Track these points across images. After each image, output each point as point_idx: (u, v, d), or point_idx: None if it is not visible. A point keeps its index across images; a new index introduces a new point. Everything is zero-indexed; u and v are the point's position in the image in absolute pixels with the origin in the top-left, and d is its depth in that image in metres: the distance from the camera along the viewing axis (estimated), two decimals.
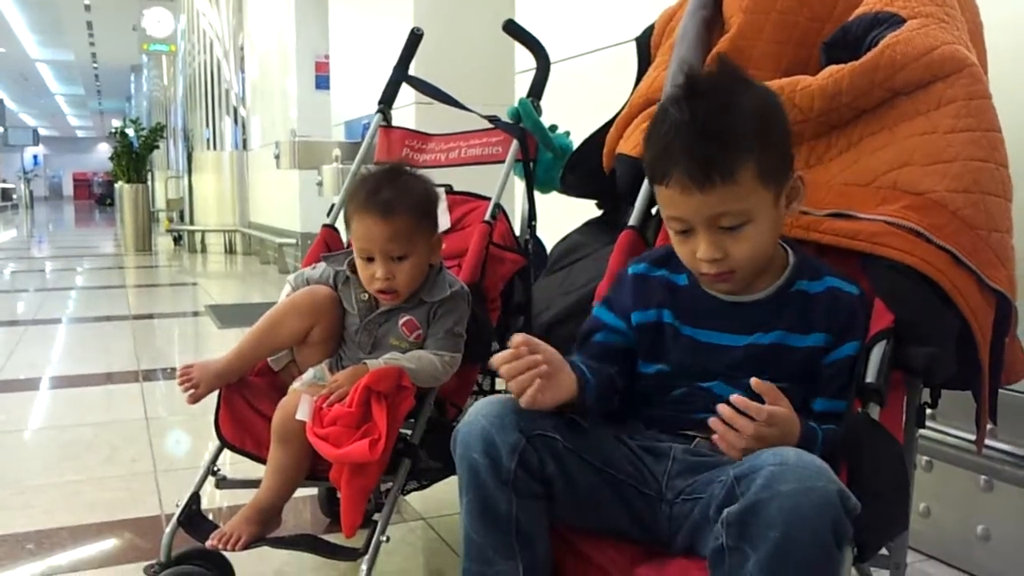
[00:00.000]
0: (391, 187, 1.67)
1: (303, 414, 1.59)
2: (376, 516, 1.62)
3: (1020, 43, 1.64)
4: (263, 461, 1.70)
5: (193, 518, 1.71)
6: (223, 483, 1.80)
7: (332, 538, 1.71)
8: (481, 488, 1.14)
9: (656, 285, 1.30)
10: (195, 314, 6.11)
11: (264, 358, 1.79)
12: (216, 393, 1.75)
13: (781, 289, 1.23)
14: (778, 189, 1.17)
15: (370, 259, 1.68)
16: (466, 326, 1.76)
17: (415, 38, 2.25)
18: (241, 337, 1.76)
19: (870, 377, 1.14)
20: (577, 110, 2.19)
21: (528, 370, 1.12)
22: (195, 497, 1.72)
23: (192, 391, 1.70)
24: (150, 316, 6.14)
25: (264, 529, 1.67)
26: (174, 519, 1.68)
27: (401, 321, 1.72)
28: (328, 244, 2.03)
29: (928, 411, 1.36)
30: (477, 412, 1.17)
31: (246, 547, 1.62)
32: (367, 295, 1.74)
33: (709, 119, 1.13)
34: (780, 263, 1.24)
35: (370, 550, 1.57)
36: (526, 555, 1.16)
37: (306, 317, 1.73)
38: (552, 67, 2.13)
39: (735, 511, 0.96)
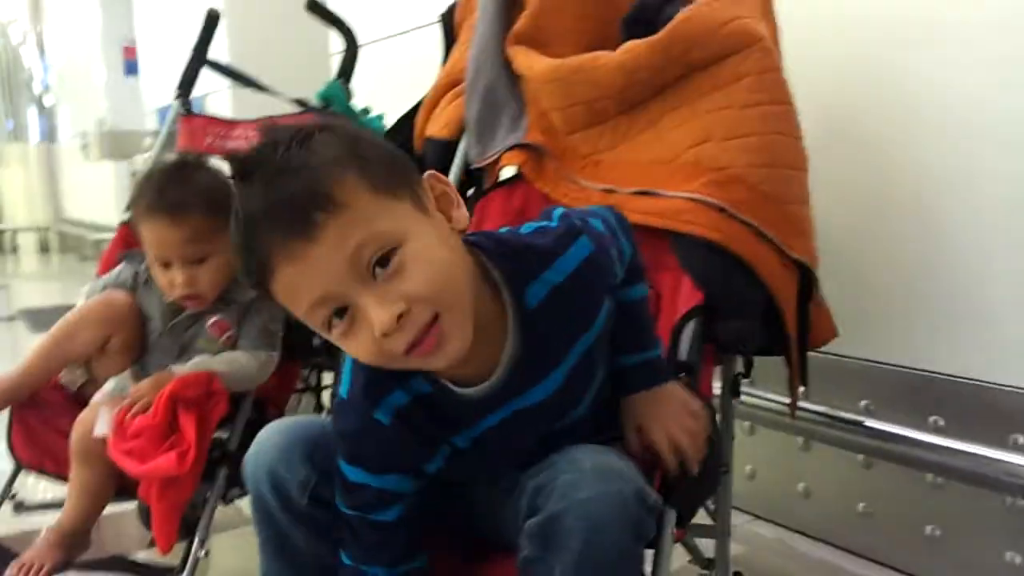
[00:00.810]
0: (177, 185, 1.54)
1: (102, 429, 1.47)
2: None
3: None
4: (66, 480, 1.56)
5: None
6: (21, 508, 1.65)
7: (154, 555, 1.60)
8: (275, 525, 1.06)
9: (420, 423, 0.99)
10: (10, 319, 5.68)
11: (56, 373, 1.65)
12: (7, 412, 1.60)
13: (518, 332, 0.96)
14: (412, 197, 0.89)
15: (167, 265, 1.55)
16: (284, 322, 1.67)
17: (212, 20, 2.11)
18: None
19: (683, 355, 1.15)
20: (390, 92, 2.12)
21: None
22: None
23: None
24: None
25: (70, 554, 1.53)
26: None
27: (209, 322, 1.62)
28: (127, 244, 1.88)
29: (745, 379, 1.39)
30: (263, 443, 1.07)
31: (48, 571, 1.49)
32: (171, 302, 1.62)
33: (281, 163, 0.87)
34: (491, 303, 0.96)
35: (187, 568, 1.48)
36: None
37: (101, 327, 1.60)
38: (362, 49, 2.05)
39: (535, 524, 0.92)
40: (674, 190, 1.22)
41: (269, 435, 1.07)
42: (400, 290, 0.84)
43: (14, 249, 10.44)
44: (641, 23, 1.30)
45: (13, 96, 10.41)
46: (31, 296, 6.63)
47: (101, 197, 7.85)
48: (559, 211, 1.03)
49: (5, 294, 6.98)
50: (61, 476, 1.58)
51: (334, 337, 0.88)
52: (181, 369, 1.53)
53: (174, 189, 1.54)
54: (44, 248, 10.20)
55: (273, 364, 1.63)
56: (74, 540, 1.54)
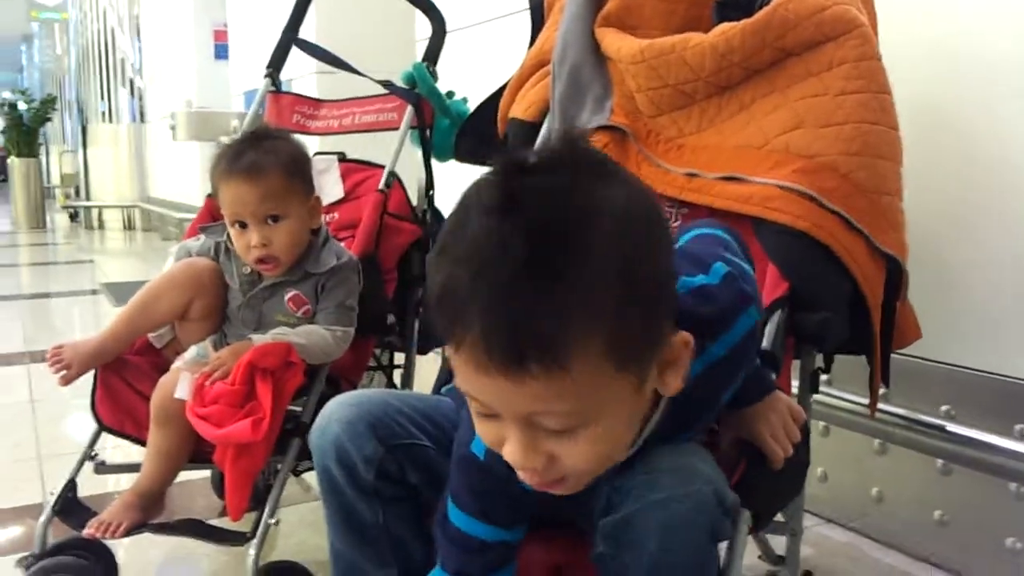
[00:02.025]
0: (255, 150, 1.58)
1: (182, 392, 1.50)
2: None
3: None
4: (144, 444, 1.61)
5: (70, 506, 1.61)
6: (102, 468, 1.70)
7: (224, 522, 1.64)
8: (341, 498, 1.07)
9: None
10: (93, 292, 5.87)
11: (142, 335, 1.69)
12: (92, 374, 1.64)
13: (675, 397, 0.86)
14: (641, 371, 0.77)
15: (243, 226, 1.59)
16: (359, 298, 1.69)
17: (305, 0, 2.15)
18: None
19: (766, 344, 1.13)
20: (474, 77, 2.13)
21: None
22: (71, 484, 1.62)
23: (63, 372, 1.59)
24: (44, 295, 5.89)
25: (146, 515, 1.57)
26: (48, 507, 1.59)
27: (287, 296, 1.64)
28: (213, 216, 1.93)
29: (824, 376, 1.36)
30: (329, 416, 1.07)
31: (126, 534, 1.53)
32: (249, 268, 1.65)
33: (532, 255, 0.70)
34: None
35: (258, 534, 1.50)
36: (400, 559, 1.09)
37: (185, 291, 1.64)
38: (451, 34, 2.06)
39: (609, 523, 0.89)
40: (762, 176, 1.20)
41: (335, 409, 1.07)
42: (553, 453, 0.77)
43: (101, 226, 10.80)
44: (735, 6, 1.28)
45: (108, 78, 10.76)
46: (115, 271, 6.84)
47: (186, 178, 8.06)
48: (717, 264, 0.92)
49: (91, 268, 7.21)
50: (140, 439, 1.62)
51: (473, 411, 0.81)
52: (260, 339, 1.56)
53: (252, 152, 1.57)
54: (129, 226, 10.52)
55: (349, 339, 1.65)
56: (150, 502, 1.58)
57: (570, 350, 0.70)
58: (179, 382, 1.52)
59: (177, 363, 1.64)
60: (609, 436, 0.79)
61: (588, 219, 0.72)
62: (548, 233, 0.70)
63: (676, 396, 0.85)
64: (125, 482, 1.65)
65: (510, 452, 0.78)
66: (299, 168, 1.63)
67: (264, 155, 1.57)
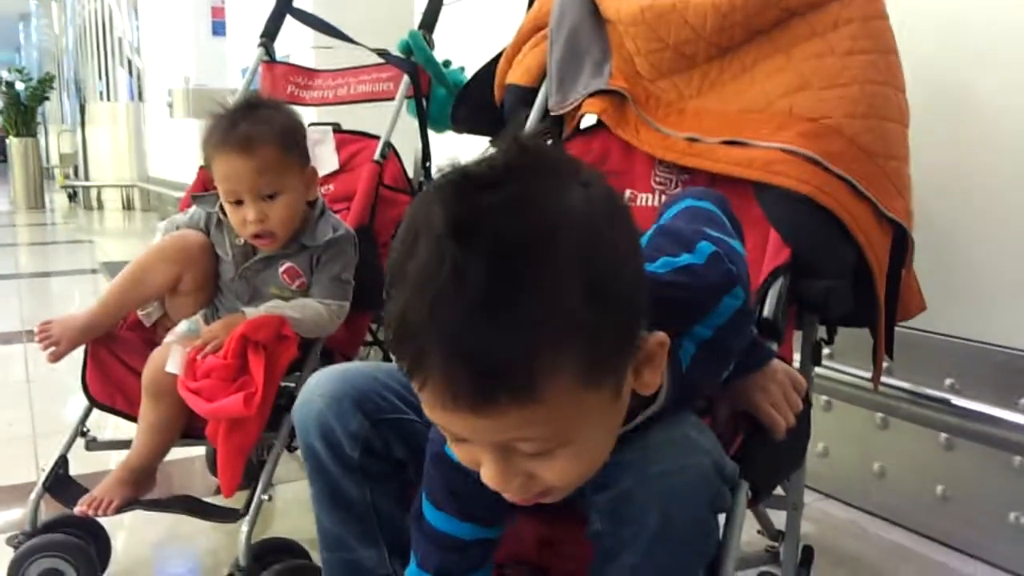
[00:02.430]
0: (249, 120, 1.52)
1: (174, 366, 1.48)
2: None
3: None
4: (136, 420, 1.58)
5: (61, 483, 1.59)
6: (93, 445, 1.68)
7: (219, 500, 1.61)
8: (326, 476, 1.04)
9: None
10: (92, 272, 5.85)
11: (132, 310, 1.66)
12: (82, 350, 1.62)
13: (678, 382, 0.87)
14: (615, 381, 0.73)
15: (239, 202, 1.54)
16: (355, 272, 1.66)
17: None
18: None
19: (767, 312, 1.10)
20: (471, 46, 2.09)
21: None
22: (62, 460, 1.61)
23: (52, 348, 1.56)
24: (44, 275, 5.87)
25: (137, 491, 1.55)
26: (39, 484, 1.57)
27: (282, 268, 1.62)
28: (205, 186, 1.89)
29: (827, 350, 1.33)
30: (312, 390, 1.03)
31: (118, 511, 1.51)
32: (243, 240, 1.62)
33: (494, 284, 0.64)
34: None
35: (250, 511, 1.48)
36: (388, 536, 1.07)
37: (174, 264, 1.61)
38: (447, 4, 2.03)
39: (606, 499, 0.85)
40: (764, 140, 1.17)
41: (319, 383, 1.04)
42: (531, 471, 0.74)
43: (100, 205, 10.77)
44: None
45: (106, 57, 10.69)
46: (114, 251, 6.82)
47: (184, 157, 8.02)
48: (702, 243, 0.88)
49: (89, 248, 7.20)
50: (132, 415, 1.60)
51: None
52: (253, 312, 1.53)
53: (246, 123, 1.52)
54: (128, 205, 10.49)
55: (344, 313, 1.63)
56: (141, 477, 1.56)
57: (540, 380, 0.65)
58: (170, 356, 1.49)
59: (169, 338, 1.61)
60: (589, 450, 0.76)
61: (549, 237, 0.66)
62: (507, 259, 0.64)
63: (681, 383, 0.84)
64: (117, 459, 1.62)
65: (488, 476, 0.74)
66: (294, 140, 1.59)
67: (258, 126, 1.52)
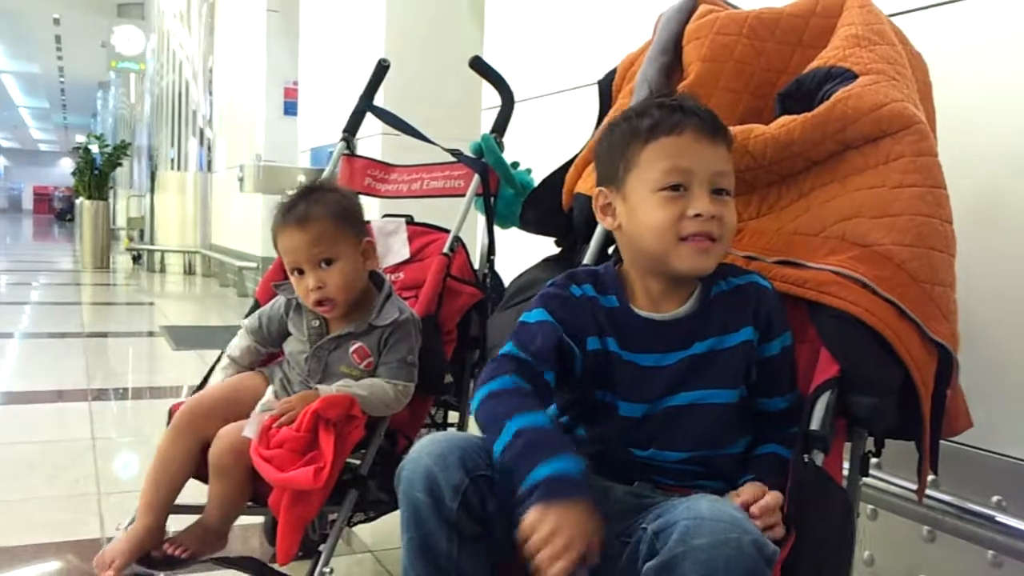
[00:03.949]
0: (306, 201, 1.71)
1: (251, 432, 1.58)
2: (322, 547, 1.61)
3: (975, 103, 1.69)
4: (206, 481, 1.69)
5: None
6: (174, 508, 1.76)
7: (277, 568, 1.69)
8: (422, 526, 1.14)
9: (596, 309, 1.26)
10: (150, 334, 6.03)
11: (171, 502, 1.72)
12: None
13: (702, 297, 1.24)
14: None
15: (300, 272, 1.70)
16: (419, 356, 1.76)
17: (382, 69, 2.26)
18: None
19: (814, 425, 1.16)
20: (540, 149, 2.21)
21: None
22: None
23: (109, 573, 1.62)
24: (104, 335, 6.06)
25: (210, 548, 1.67)
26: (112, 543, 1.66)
27: (352, 348, 1.72)
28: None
29: (874, 460, 1.38)
30: (421, 450, 1.16)
31: (193, 558, 1.63)
32: (318, 321, 1.75)
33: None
34: (692, 284, 1.25)
35: None
36: None
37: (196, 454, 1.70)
38: (516, 105, 2.15)
39: (653, 566, 0.97)
40: (818, 262, 1.24)
41: (427, 443, 1.17)
42: (720, 210, 1.16)
43: (162, 269, 11.08)
44: (797, 98, 1.33)
45: (180, 127, 11.13)
46: (174, 314, 7.01)
47: (247, 229, 8.27)
48: None
49: (150, 311, 7.41)
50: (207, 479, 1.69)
51: (659, 198, 1.18)
52: (326, 390, 1.63)
53: (304, 203, 1.70)
54: (189, 270, 10.79)
55: (409, 394, 1.72)
56: (213, 537, 1.67)
57: (728, 139, 1.22)
58: (248, 421, 1.59)
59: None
60: (734, 217, 1.20)
61: None
62: None
63: (707, 298, 1.23)
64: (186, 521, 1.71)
65: (702, 206, 1.15)
66: (347, 213, 1.74)
67: (313, 205, 1.70)
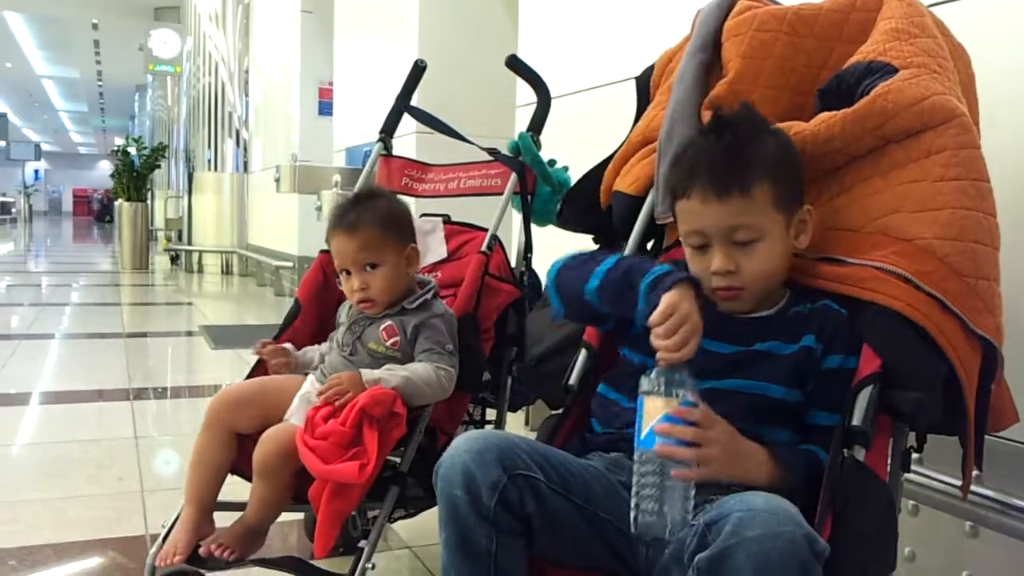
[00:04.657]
0: (356, 208, 1.81)
1: (297, 419, 1.60)
2: (362, 543, 1.63)
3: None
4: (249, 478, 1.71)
5: None
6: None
7: (321, 563, 1.71)
8: (461, 524, 1.15)
9: None
10: (189, 334, 6.11)
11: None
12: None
13: (780, 312, 1.29)
14: (788, 216, 1.25)
15: (348, 273, 1.78)
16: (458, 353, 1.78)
17: (418, 70, 2.28)
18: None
19: (856, 420, 1.16)
20: (576, 145, 2.21)
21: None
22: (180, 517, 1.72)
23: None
24: (144, 335, 6.15)
25: (252, 548, 1.70)
26: (159, 539, 1.69)
27: (383, 326, 1.78)
28: (324, 268, 2.04)
29: (915, 455, 1.37)
30: (459, 447, 1.17)
31: (239, 560, 1.65)
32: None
33: (734, 141, 1.25)
34: (781, 295, 1.31)
35: None
36: None
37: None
38: (552, 102, 2.16)
39: (705, 558, 0.98)
40: (859, 258, 1.24)
41: (464, 440, 1.18)
42: (739, 261, 1.24)
43: (200, 269, 11.21)
44: (837, 94, 1.33)
45: (216, 129, 11.26)
46: (212, 314, 7.09)
47: (284, 228, 8.35)
48: None
49: (188, 310, 7.50)
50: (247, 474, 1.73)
51: (689, 253, 1.29)
52: (370, 374, 1.66)
53: (354, 211, 1.80)
54: (227, 270, 10.90)
55: (452, 381, 1.74)
56: (254, 535, 1.70)
57: (751, 184, 1.21)
58: (295, 409, 1.64)
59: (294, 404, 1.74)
60: (771, 256, 1.25)
61: (761, 134, 1.28)
62: (740, 133, 1.27)
63: (785, 312, 1.29)
64: (228, 519, 1.73)
65: (716, 263, 1.23)
66: (394, 222, 1.82)
67: (362, 213, 1.79)
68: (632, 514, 1.11)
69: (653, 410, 1.12)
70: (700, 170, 1.24)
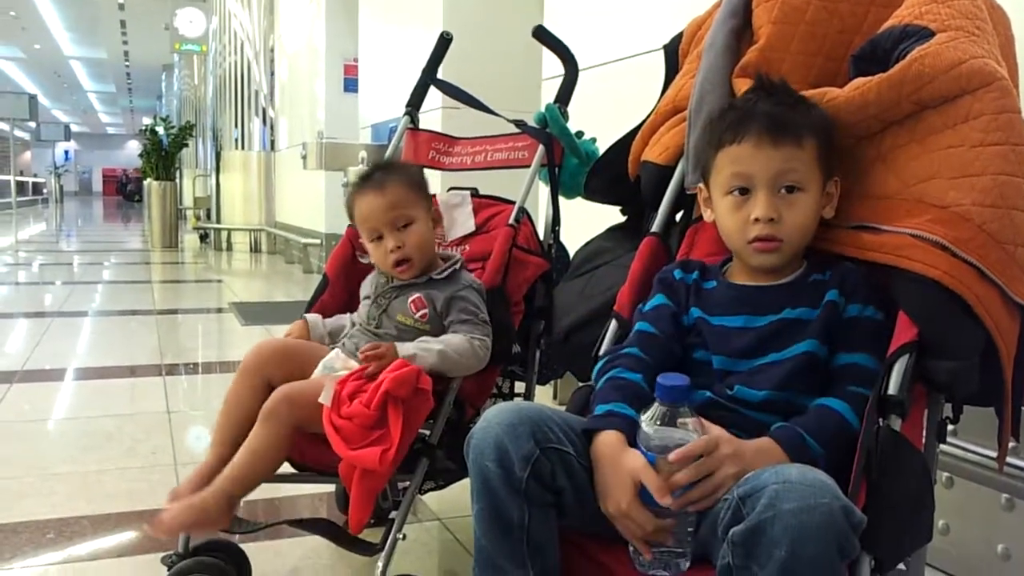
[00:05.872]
0: (381, 171, 1.83)
1: (326, 399, 1.60)
2: (393, 514, 1.64)
3: None
4: (289, 461, 1.72)
5: None
6: None
7: None
8: (493, 496, 1.15)
9: (687, 288, 1.37)
10: (219, 311, 6.16)
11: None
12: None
13: (800, 278, 1.29)
14: (825, 178, 1.27)
15: (380, 237, 1.78)
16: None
17: (444, 42, 2.26)
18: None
19: (892, 389, 1.14)
20: (604, 117, 2.19)
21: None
22: None
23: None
24: (175, 312, 6.22)
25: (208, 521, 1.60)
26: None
27: (411, 298, 1.78)
28: (352, 243, 2.05)
29: (950, 427, 1.35)
30: (491, 419, 1.17)
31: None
32: (385, 277, 1.83)
33: (785, 98, 1.28)
34: (800, 263, 1.32)
35: (387, 547, 1.59)
36: (537, 563, 1.16)
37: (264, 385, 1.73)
38: (580, 74, 2.14)
39: (740, 531, 0.96)
40: (895, 225, 1.21)
41: (496, 413, 1.18)
42: (781, 211, 1.24)
43: (229, 247, 11.30)
44: (872, 60, 1.30)
45: (242, 107, 11.30)
46: (241, 291, 7.15)
47: (311, 206, 8.38)
48: None
49: (218, 288, 7.57)
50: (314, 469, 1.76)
51: (728, 203, 1.28)
52: (405, 348, 1.66)
53: (379, 173, 1.82)
54: (255, 248, 10.98)
55: (487, 349, 1.75)
56: (223, 503, 1.59)
57: (803, 135, 1.23)
58: (324, 388, 1.60)
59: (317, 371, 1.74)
60: (809, 211, 1.26)
61: (804, 99, 1.29)
62: (789, 95, 1.30)
63: (804, 280, 1.29)
64: (267, 490, 1.74)
65: (760, 209, 1.24)
66: (418, 181, 1.85)
67: (388, 174, 1.81)
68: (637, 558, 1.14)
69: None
70: (756, 117, 1.25)
